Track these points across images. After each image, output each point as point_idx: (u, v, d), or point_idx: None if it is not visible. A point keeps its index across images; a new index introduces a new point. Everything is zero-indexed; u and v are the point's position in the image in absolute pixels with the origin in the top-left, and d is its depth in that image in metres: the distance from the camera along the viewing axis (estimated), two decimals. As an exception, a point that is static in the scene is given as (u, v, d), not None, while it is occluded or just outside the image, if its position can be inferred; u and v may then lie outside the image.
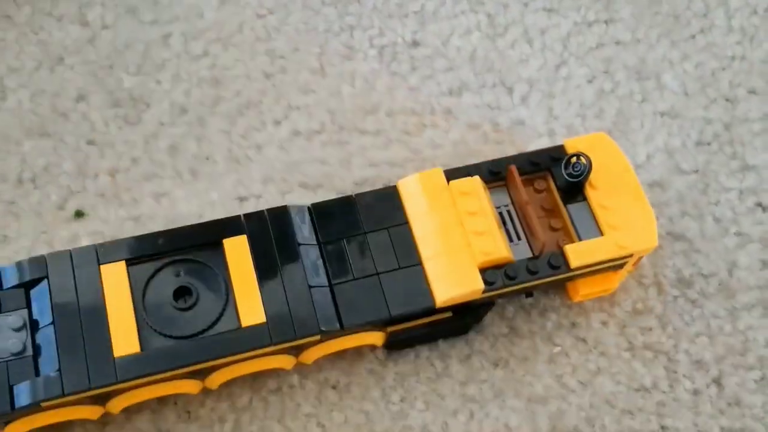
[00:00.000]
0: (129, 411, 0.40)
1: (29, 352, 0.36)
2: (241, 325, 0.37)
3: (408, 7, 0.52)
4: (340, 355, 0.42)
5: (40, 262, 0.38)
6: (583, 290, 0.43)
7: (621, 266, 0.42)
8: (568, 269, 0.40)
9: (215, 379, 0.39)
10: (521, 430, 0.41)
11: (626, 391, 0.42)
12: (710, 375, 0.43)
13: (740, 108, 0.50)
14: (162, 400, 0.40)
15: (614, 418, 0.41)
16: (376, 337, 0.41)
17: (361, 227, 0.40)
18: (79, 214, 0.44)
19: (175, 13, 0.50)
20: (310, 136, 0.47)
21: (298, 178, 0.46)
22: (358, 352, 0.42)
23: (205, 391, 0.41)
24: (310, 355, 0.40)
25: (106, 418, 0.40)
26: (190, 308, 0.38)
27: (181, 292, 0.38)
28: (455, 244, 0.39)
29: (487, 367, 0.42)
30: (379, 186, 0.45)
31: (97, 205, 0.44)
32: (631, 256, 0.41)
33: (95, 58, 0.48)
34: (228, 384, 0.41)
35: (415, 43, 0.51)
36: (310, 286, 0.38)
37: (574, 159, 0.41)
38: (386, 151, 0.47)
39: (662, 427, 0.41)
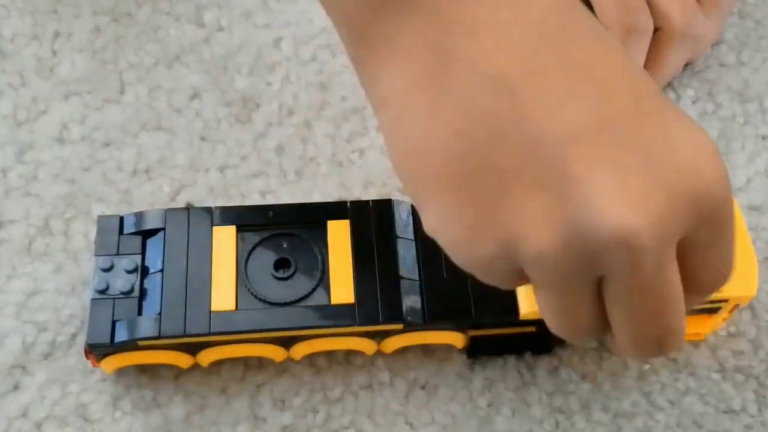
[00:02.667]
0: (228, 395, 0.42)
1: (136, 293, 0.39)
2: (330, 302, 0.39)
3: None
4: (429, 356, 0.43)
5: (160, 214, 0.41)
6: None
7: (716, 311, 0.41)
8: None
9: (298, 350, 0.41)
10: (606, 443, 0.41)
11: (714, 413, 0.42)
12: (801, 403, 0.42)
13: None
14: (259, 387, 0.42)
15: (701, 438, 0.41)
16: (457, 339, 0.42)
17: None
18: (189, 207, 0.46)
19: (287, 19, 0.52)
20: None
21: (398, 183, 0.47)
22: (447, 355, 0.43)
23: (299, 381, 0.42)
24: (391, 344, 0.41)
25: (205, 401, 0.42)
26: (286, 279, 0.40)
27: (281, 263, 0.41)
28: None
29: (575, 380, 0.43)
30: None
31: (206, 199, 0.46)
32: (726, 301, 0.40)
33: (210, 57, 0.51)
34: (321, 376, 0.42)
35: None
36: (401, 277, 0.40)
37: None
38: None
39: (749, 452, 0.41)
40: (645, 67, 0.49)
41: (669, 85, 0.51)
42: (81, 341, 0.42)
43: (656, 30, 0.48)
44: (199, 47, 0.51)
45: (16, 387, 0.41)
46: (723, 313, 0.42)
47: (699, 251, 0.30)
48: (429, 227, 0.30)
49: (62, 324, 0.42)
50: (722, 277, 0.31)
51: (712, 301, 0.40)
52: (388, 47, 0.29)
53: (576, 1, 0.30)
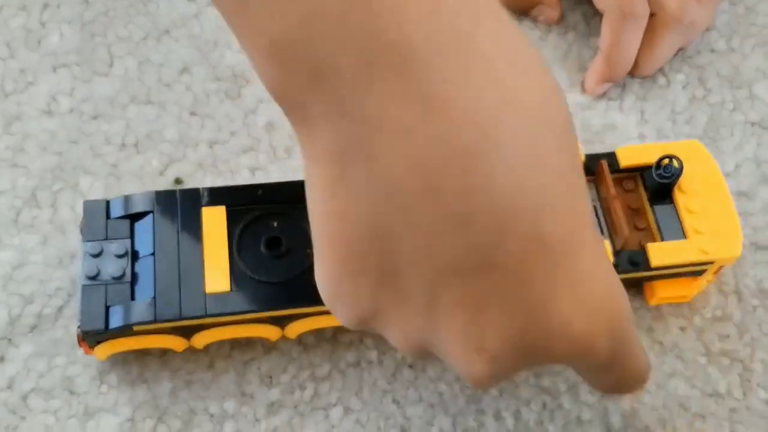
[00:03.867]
0: (215, 371, 0.42)
1: (128, 278, 0.39)
2: None
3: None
4: (418, 336, 0.43)
5: (147, 197, 0.41)
6: (660, 293, 0.43)
7: (701, 273, 0.42)
8: (648, 268, 0.40)
9: (293, 329, 0.41)
10: (593, 424, 0.41)
11: (700, 396, 0.42)
12: (785, 387, 0.43)
13: (834, 124, 0.49)
14: (247, 364, 0.42)
15: (686, 421, 0.42)
16: None
17: None
18: (178, 182, 0.46)
19: (279, -5, 0.52)
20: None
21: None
22: (435, 335, 0.43)
23: (287, 358, 0.42)
24: None
25: (192, 377, 0.41)
26: (279, 257, 0.40)
27: (273, 242, 0.40)
28: None
29: (563, 360, 0.43)
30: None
31: (195, 174, 0.46)
32: (712, 263, 0.41)
33: (200, 32, 0.50)
34: (309, 354, 0.42)
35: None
36: None
37: (665, 161, 0.41)
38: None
39: (733, 434, 0.42)
40: (639, 52, 0.49)
41: (660, 70, 0.51)
42: (68, 314, 0.42)
43: (651, 15, 0.48)
44: (189, 21, 0.51)
45: (1, 359, 0.41)
46: (708, 276, 0.42)
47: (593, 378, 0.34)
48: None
49: (49, 296, 0.42)
50: (632, 386, 0.34)
51: (696, 264, 0.40)
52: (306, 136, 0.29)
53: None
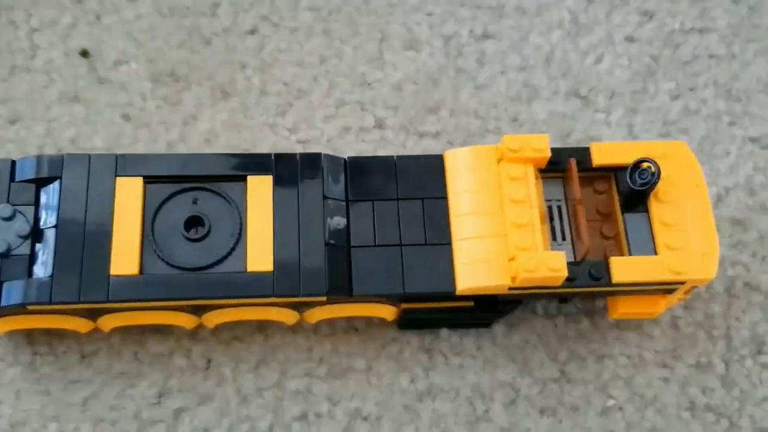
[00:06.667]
0: (141, 422, 0.37)
1: (26, 251, 0.35)
2: (246, 269, 0.35)
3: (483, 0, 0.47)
4: (375, 384, 0.39)
5: (57, 160, 0.36)
6: (623, 309, 0.38)
7: (670, 291, 0.37)
8: (609, 283, 0.36)
9: (212, 319, 0.37)
10: (564, 488, 0.38)
11: (682, 456, 0.39)
12: (775, 446, 0.39)
13: (840, 145, 0.45)
14: (178, 415, 0.37)
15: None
16: (387, 311, 0.38)
17: (394, 192, 0.37)
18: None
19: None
20: (363, 133, 0.43)
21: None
22: (395, 383, 0.39)
23: (224, 410, 0.38)
24: (315, 315, 0.38)
25: (115, 428, 0.37)
26: (198, 240, 0.36)
27: (193, 222, 0.36)
28: (491, 231, 0.36)
29: (533, 415, 0.39)
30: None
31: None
32: (683, 283, 0.36)
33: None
34: (248, 404, 0.38)
35: (486, 36, 0.46)
36: (327, 244, 0.36)
37: (644, 164, 0.36)
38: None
39: (717, 501, 0.38)
40: None
41: (651, 75, 0.46)
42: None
43: None
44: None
45: None
46: (678, 294, 0.38)
47: None
48: None
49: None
50: None
51: (668, 283, 0.36)
52: None
53: None
